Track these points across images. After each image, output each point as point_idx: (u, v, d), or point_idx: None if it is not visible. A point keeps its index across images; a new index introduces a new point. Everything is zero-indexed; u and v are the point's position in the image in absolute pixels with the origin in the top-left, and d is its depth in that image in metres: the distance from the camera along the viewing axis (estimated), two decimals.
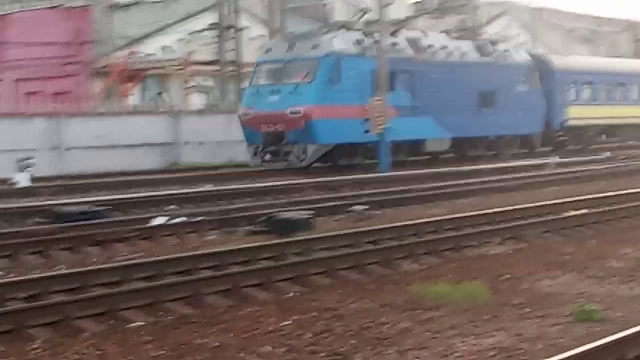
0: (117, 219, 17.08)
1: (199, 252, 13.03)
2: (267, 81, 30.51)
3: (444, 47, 33.90)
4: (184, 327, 9.26)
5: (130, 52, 43.23)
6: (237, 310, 9.97)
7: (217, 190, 22.63)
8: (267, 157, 29.64)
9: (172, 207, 19.66)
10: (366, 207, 18.75)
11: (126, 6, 45.39)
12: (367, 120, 29.41)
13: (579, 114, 39.83)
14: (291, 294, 10.83)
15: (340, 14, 61.61)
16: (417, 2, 65.42)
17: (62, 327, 9.11)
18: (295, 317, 9.59)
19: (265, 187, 23.38)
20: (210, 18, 41.65)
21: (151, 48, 44.84)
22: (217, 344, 8.61)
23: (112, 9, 44.86)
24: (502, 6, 62.14)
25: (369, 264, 12.42)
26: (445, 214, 17.41)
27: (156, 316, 9.70)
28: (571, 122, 39.68)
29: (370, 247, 13.53)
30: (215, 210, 18.58)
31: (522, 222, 16.14)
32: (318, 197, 21.44)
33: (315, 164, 29.96)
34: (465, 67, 34.13)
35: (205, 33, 41.73)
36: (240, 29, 39.86)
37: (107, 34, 44.14)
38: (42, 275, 11.09)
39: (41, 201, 20.14)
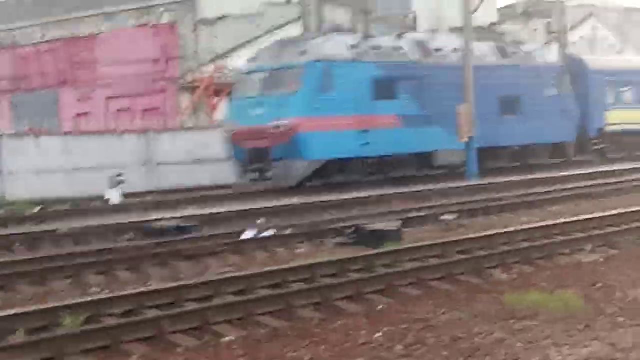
0: (207, 234, 17.28)
1: (289, 265, 13.09)
2: (252, 93, 27.28)
3: (456, 50, 30.79)
4: (276, 341, 9.32)
5: (216, 67, 43.74)
6: (328, 323, 9.99)
7: (305, 203, 22.72)
8: (253, 175, 26.73)
9: (261, 220, 19.80)
10: (455, 216, 18.64)
11: (212, 21, 45.97)
12: (365, 132, 27.29)
13: (618, 118, 36.72)
14: (382, 306, 10.81)
15: (424, 23, 61.43)
16: (504, 8, 65.00)
17: (157, 342, 9.24)
18: (386, 329, 9.58)
19: (352, 198, 23.39)
20: (295, 30, 41.88)
21: (237, 62, 45.28)
22: (309, 357, 8.64)
23: (198, 25, 45.48)
24: (589, 8, 61.26)
25: (460, 274, 12.34)
26: (536, 222, 17.20)
27: (248, 330, 9.77)
28: (610, 128, 36.50)
29: (461, 257, 13.43)
30: (303, 223, 18.66)
31: (615, 229, 15.87)
32: (406, 207, 21.36)
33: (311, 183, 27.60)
34: (483, 71, 30.80)
35: None
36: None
37: (193, 49, 44.76)
38: (137, 291, 11.27)
39: (133, 217, 20.45)
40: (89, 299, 10.99)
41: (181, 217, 19.37)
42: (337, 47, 27.58)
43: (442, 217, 18.61)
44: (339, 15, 45.41)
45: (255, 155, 26.33)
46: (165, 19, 45.81)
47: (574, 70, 35.23)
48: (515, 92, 32.41)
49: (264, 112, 26.39)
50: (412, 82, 29.01)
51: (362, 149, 27.42)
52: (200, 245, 15.48)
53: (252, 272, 12.30)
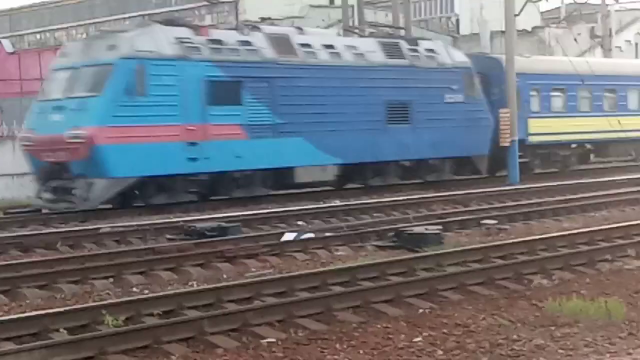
0: (247, 235, 17.35)
1: (329, 268, 13.10)
2: (55, 94, 22.96)
3: (327, 47, 26.45)
4: (315, 343, 9.32)
5: None
6: (367, 327, 9.98)
7: (345, 206, 22.73)
8: (47, 195, 22.51)
9: (301, 223, 19.84)
10: (496, 221, 18.55)
11: (254, 24, 46.12)
12: (193, 144, 23.12)
13: (545, 127, 32.30)
14: (422, 310, 10.77)
15: (466, 27, 61.19)
16: (548, 11, 64.63)
17: (197, 342, 9.28)
18: (426, 333, 9.55)
19: (392, 201, 23.37)
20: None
21: None
22: None
23: None
24: (634, 12, 60.75)
25: (500, 279, 12.27)
26: (578, 228, 17.07)
27: (287, 332, 9.78)
28: (535, 139, 32.09)
29: (501, 262, 13.36)
30: (343, 225, 18.67)
31: None
32: (446, 211, 21.31)
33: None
34: (362, 73, 26.74)
35: None
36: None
37: None
38: (177, 291, 11.33)
39: (174, 218, 20.57)
40: (130, 298, 11.08)
41: (221, 218, 19.44)
42: (155, 41, 22.91)
43: (483, 222, 18.52)
44: (380, 18, 45.49)
45: (52, 171, 22.24)
46: (207, 22, 46.06)
47: (489, 73, 31.02)
48: (405, 97, 27.89)
49: (63, 118, 22.22)
50: (263, 84, 24.61)
51: (189, 165, 23.10)
52: (240, 246, 15.53)
53: (291, 274, 12.32)
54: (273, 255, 15.13)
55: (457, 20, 63.42)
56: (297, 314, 10.20)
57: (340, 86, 26.09)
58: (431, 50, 28.99)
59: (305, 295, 11.23)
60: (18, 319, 9.74)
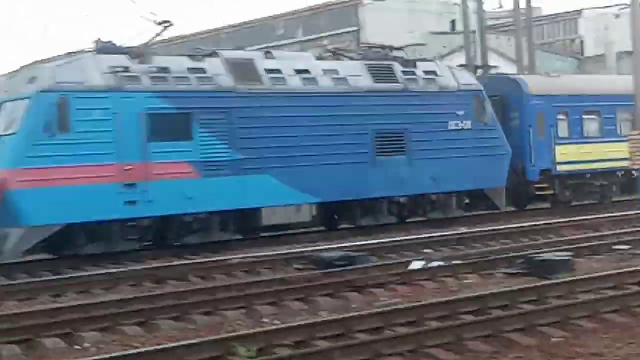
0: (375, 264, 17.35)
1: (458, 296, 12.99)
2: None
3: (301, 72, 23.45)
4: None
5: None
6: (499, 356, 9.85)
7: (472, 232, 22.52)
8: None
9: (428, 250, 19.74)
10: (629, 246, 18.11)
11: None
12: (131, 185, 20.28)
13: (575, 155, 28.61)
14: (555, 339, 10.57)
15: (590, 48, 59.95)
16: None
17: None
18: None
19: (521, 227, 23.04)
20: (458, 59, 41.79)
21: None
22: None
23: None
24: None
25: (636, 306, 11.95)
26: None
27: None
28: (563, 168, 28.43)
29: (637, 288, 13.01)
30: (471, 252, 18.50)
31: None
32: (576, 236, 20.90)
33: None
34: (343, 99, 23.71)
35: None
36: (489, 67, 39.76)
37: None
38: (308, 321, 11.40)
39: (301, 248, 20.72)
40: (261, 329, 11.20)
41: (348, 247, 19.51)
42: (82, 71, 20.36)
43: (615, 247, 18.09)
44: (503, 43, 45.12)
45: None
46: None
47: (508, 96, 27.95)
48: (399, 125, 24.53)
49: None
50: (219, 116, 21.76)
51: (127, 209, 20.36)
52: (369, 275, 15.54)
53: (421, 303, 12.26)
54: (401, 284, 15.08)
55: (582, 42, 62.43)
56: (427, 344, 10.15)
57: (316, 115, 23.03)
58: (432, 73, 25.70)
59: (435, 324, 11.16)
60: (155, 350, 9.97)
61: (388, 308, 12.21)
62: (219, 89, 21.86)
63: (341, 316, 11.63)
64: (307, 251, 19.47)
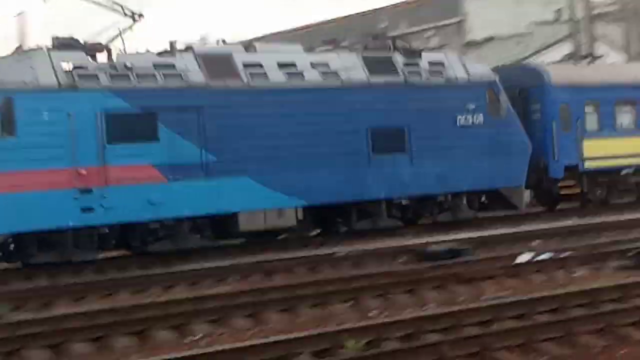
0: (482, 257, 17.21)
1: (569, 289, 12.80)
2: None
3: (285, 66, 21.77)
4: None
5: None
6: (612, 350, 9.68)
7: (583, 225, 22.10)
8: None
9: (537, 242, 19.48)
10: None
11: (479, 43, 45.96)
12: (87, 191, 19.11)
13: (606, 149, 26.18)
14: None
15: None
16: None
17: None
18: None
19: (632, 220, 22.52)
20: (566, 48, 41.08)
21: None
22: None
23: (467, 47, 45.58)
24: None
25: None
26: None
27: (528, 357, 9.62)
28: (592, 164, 26.00)
29: None
30: (581, 245, 18.19)
31: None
32: None
33: None
34: (333, 94, 22.00)
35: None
36: (597, 57, 38.98)
37: None
38: (416, 315, 11.38)
39: (407, 241, 20.65)
40: (369, 322, 11.23)
41: (454, 240, 19.38)
42: (32, 70, 19.12)
43: None
44: (613, 30, 44.14)
45: None
46: (433, 43, 46.20)
47: (528, 88, 25.82)
48: (398, 122, 22.84)
49: None
50: (190, 115, 20.37)
51: (84, 216, 19.13)
52: (476, 268, 15.42)
53: (530, 297, 12.12)
54: (510, 277, 14.92)
55: None
56: (537, 338, 10.02)
57: (301, 112, 21.49)
58: (438, 64, 23.90)
59: (545, 318, 11.02)
60: (263, 344, 10.06)
61: (497, 301, 12.11)
62: (188, 86, 20.42)
63: (450, 309, 11.59)
64: (412, 245, 19.41)
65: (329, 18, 59.85)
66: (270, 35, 50.75)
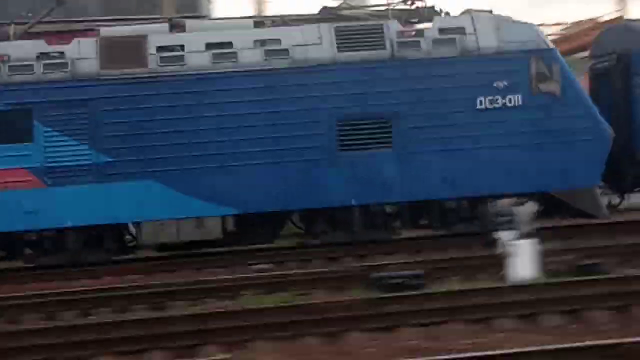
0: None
1: None
2: None
3: (214, 47, 18.70)
4: None
5: None
6: None
7: None
8: None
9: None
10: None
11: None
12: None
13: None
14: None
15: None
16: None
17: None
18: None
19: None
20: None
21: None
22: None
23: None
24: None
25: None
26: None
27: None
28: None
29: None
30: None
31: None
32: None
33: None
34: (277, 79, 18.60)
35: None
36: None
37: None
38: None
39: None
40: None
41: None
42: None
43: None
44: None
45: None
46: None
47: (630, 54, 19.87)
48: (379, 108, 18.79)
49: None
50: (77, 110, 18.14)
51: (29, 218, 17.95)
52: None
53: None
54: None
55: None
56: None
57: (228, 101, 18.46)
58: (454, 30, 19.20)
59: None
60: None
61: None
62: (73, 77, 18.15)
63: None
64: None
65: None
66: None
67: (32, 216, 17.83)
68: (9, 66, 18.01)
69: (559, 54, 19.45)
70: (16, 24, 19.25)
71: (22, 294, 14.72)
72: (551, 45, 19.52)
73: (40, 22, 19.60)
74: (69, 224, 18.00)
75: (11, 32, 18.77)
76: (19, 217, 17.76)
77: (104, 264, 18.05)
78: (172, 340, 10.86)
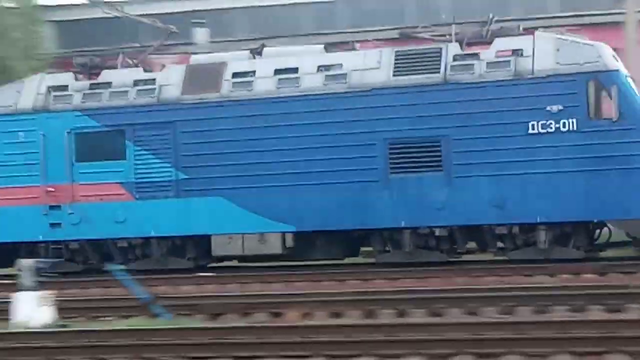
0: None
1: None
2: None
3: (281, 72, 19.84)
4: None
5: None
6: None
7: None
8: None
9: None
10: None
11: None
12: (56, 207, 20.53)
13: None
14: None
15: None
16: None
17: None
18: None
19: None
20: None
21: None
22: None
23: None
24: None
25: None
26: None
27: None
28: None
29: None
30: None
31: None
32: None
33: None
34: (335, 102, 19.40)
35: None
36: None
37: None
38: None
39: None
40: None
41: None
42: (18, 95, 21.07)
43: None
44: None
45: None
46: None
47: None
48: (430, 131, 19.07)
49: None
50: (163, 131, 20.16)
51: (51, 232, 20.66)
52: None
53: None
54: None
55: None
56: None
57: (288, 125, 19.51)
58: (512, 53, 18.96)
59: None
60: None
61: None
62: (160, 102, 20.32)
63: None
64: None
65: None
66: None
67: (120, 226, 20.21)
68: (110, 92, 20.56)
69: (622, 75, 18.67)
70: (124, 53, 21.93)
71: None
72: (614, 67, 18.64)
73: (152, 53, 21.98)
74: (152, 234, 20.19)
75: (119, 61, 21.44)
76: (110, 227, 20.24)
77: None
78: None
